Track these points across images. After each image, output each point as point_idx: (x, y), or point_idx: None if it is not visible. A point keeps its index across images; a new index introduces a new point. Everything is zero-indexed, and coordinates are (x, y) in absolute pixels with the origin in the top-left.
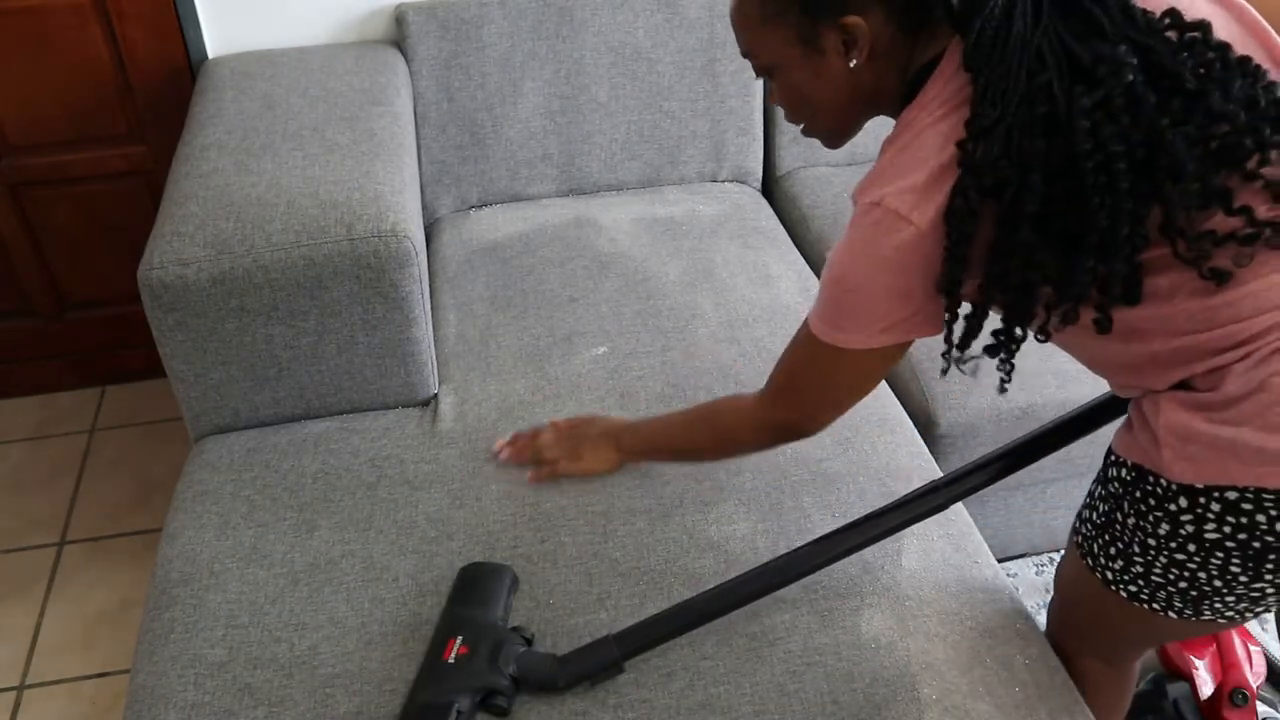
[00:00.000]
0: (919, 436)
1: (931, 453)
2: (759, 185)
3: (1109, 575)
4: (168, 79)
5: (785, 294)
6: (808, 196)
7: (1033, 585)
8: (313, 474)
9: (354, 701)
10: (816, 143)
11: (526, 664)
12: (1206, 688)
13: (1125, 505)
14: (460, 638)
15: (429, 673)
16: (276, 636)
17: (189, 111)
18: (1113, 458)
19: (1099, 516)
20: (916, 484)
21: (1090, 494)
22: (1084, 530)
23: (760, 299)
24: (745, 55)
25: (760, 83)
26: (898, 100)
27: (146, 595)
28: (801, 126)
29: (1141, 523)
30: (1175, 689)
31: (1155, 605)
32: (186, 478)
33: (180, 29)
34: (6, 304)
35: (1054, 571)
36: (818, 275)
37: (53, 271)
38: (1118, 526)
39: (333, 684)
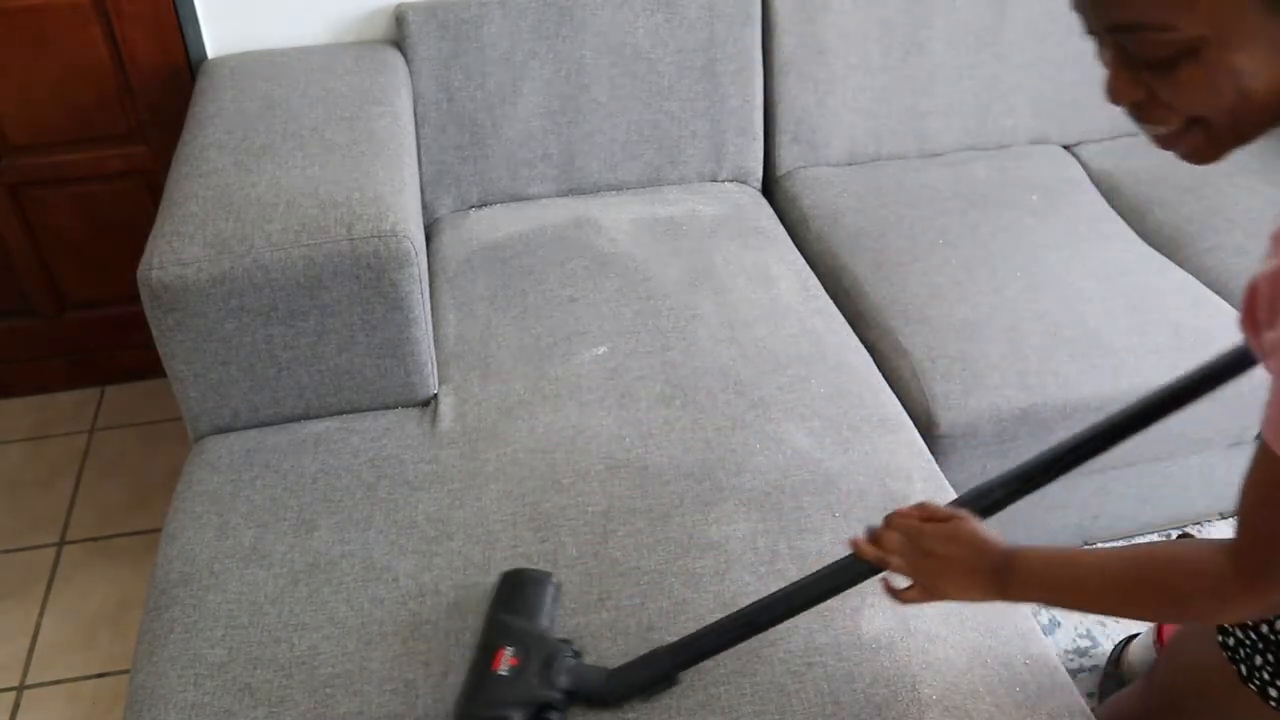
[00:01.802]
0: (919, 436)
1: (931, 453)
2: (759, 185)
3: (1271, 692)
4: (168, 79)
5: (785, 294)
6: (808, 196)
7: None
8: (312, 474)
9: (354, 701)
10: (816, 143)
11: (579, 677)
12: None
13: None
14: (510, 648)
15: (478, 682)
16: (276, 636)
17: (189, 111)
18: None
19: (1275, 635)
20: (916, 484)
21: None
22: (1241, 634)
23: (760, 299)
24: (1134, 28)
25: (760, 82)
26: None
27: (146, 595)
28: (1167, 132)
29: None
30: None
31: None
32: (186, 478)
33: (180, 29)
34: (6, 304)
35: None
36: (818, 275)
37: (53, 271)
38: None
39: (333, 684)
